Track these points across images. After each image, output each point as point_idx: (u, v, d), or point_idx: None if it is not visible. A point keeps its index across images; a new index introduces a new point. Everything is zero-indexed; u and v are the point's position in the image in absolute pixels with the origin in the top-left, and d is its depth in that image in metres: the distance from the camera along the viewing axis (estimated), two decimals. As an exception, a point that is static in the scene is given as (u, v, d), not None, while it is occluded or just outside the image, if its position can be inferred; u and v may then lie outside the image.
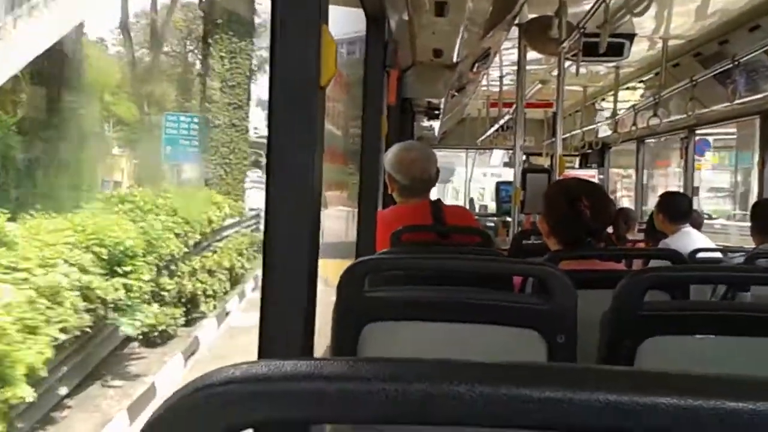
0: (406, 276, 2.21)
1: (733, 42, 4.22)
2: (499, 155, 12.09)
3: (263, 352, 1.34)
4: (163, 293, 10.89)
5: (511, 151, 7.67)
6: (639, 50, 5.00)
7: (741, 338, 1.56)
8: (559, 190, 2.56)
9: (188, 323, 11.56)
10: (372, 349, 1.71)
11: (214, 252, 13.56)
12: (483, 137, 9.35)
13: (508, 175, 8.52)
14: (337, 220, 6.11)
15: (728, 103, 4.39)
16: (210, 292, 12.38)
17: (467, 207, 10.19)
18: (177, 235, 11.74)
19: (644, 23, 4.31)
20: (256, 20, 19.69)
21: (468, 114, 9.67)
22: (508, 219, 6.55)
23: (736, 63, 4.05)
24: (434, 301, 1.73)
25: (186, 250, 12.03)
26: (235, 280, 13.97)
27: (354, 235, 3.13)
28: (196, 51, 22.61)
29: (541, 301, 1.65)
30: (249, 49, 19.12)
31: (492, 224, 8.73)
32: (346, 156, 7.94)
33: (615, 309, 1.57)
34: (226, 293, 13.26)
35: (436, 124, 8.04)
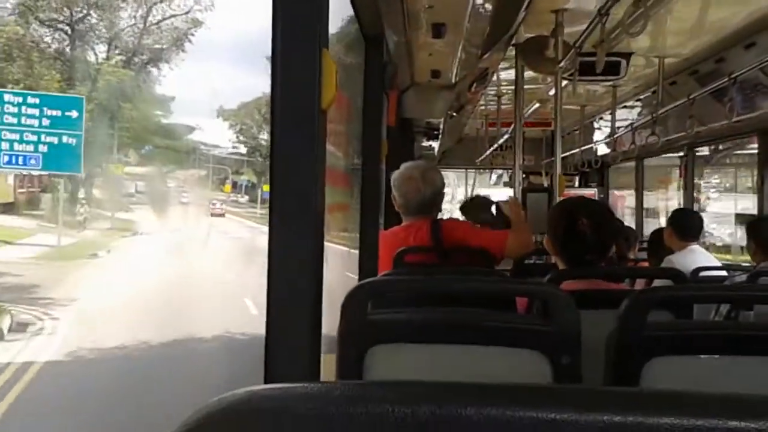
0: (410, 297, 2.21)
1: (729, 59, 4.24)
2: (495, 175, 12.13)
3: (269, 376, 1.34)
4: None
5: (509, 171, 7.68)
6: (636, 69, 5.02)
7: (745, 357, 1.56)
8: (560, 210, 2.58)
9: None
10: (377, 372, 1.71)
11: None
12: (482, 157, 9.37)
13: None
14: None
15: (726, 121, 4.40)
16: None
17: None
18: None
19: (640, 42, 4.34)
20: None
21: (467, 133, 9.69)
22: None
23: (733, 80, 4.07)
24: (438, 323, 1.72)
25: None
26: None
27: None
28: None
29: (545, 322, 1.64)
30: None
31: None
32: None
33: (619, 330, 1.56)
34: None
35: (435, 144, 8.06)
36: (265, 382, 1.31)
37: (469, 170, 12.22)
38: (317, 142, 1.38)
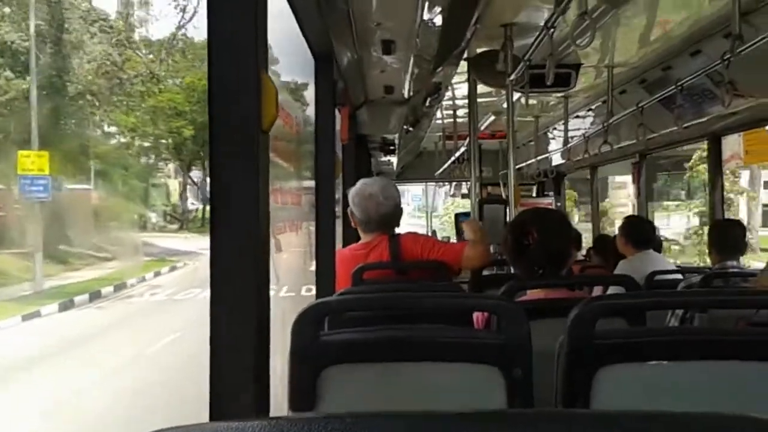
0: (368, 316, 2.19)
1: (677, 67, 4.32)
2: (450, 187, 12.25)
3: (214, 413, 1.31)
4: None
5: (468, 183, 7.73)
6: (586, 79, 5.10)
7: (695, 363, 1.57)
8: (512, 224, 2.63)
9: None
10: (331, 394, 1.69)
11: None
12: (441, 170, 9.42)
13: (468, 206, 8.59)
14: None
15: (676, 128, 4.49)
16: None
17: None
18: None
19: (589, 53, 4.41)
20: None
21: (425, 147, 9.75)
22: None
23: (680, 87, 4.15)
24: (391, 342, 1.71)
25: None
26: None
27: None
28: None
29: (495, 336, 1.64)
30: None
31: None
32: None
33: (568, 339, 1.57)
34: None
35: (393, 159, 8.09)
36: (210, 419, 1.29)
37: (428, 183, 12.29)
38: (260, 164, 1.36)
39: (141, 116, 29.46)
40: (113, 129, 29.88)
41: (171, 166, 34.05)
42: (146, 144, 31.24)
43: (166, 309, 16.01)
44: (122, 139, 30.12)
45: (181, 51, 30.10)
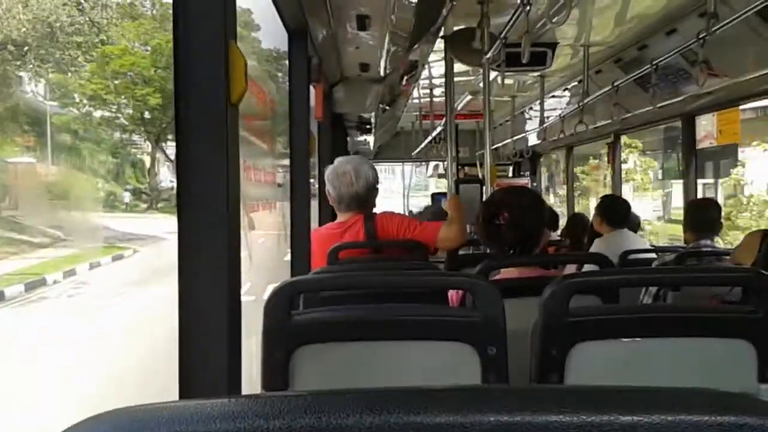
0: (344, 295, 2.17)
1: (652, 46, 4.33)
2: (430, 167, 12.24)
3: (183, 390, 1.28)
4: None
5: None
6: (562, 59, 5.09)
7: (666, 339, 1.58)
8: (485, 204, 2.62)
9: None
10: (303, 374, 1.67)
11: None
12: (418, 150, 9.40)
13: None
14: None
15: (650, 107, 4.50)
16: None
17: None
18: None
19: (565, 31, 4.39)
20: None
21: (402, 127, 9.71)
22: None
23: (655, 67, 4.15)
24: (363, 320, 1.69)
25: None
26: None
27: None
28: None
29: (469, 313, 1.63)
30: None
31: None
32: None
33: (542, 317, 1.56)
34: None
35: (370, 138, 8.05)
36: (180, 397, 1.26)
37: (405, 163, 12.27)
38: (229, 137, 1.33)
39: (91, 79, 25.88)
40: (58, 93, 25.94)
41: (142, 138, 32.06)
42: (100, 112, 27.62)
43: (76, 322, 11.68)
44: (73, 108, 26.37)
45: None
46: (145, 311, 11.30)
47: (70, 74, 26.32)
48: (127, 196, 29.32)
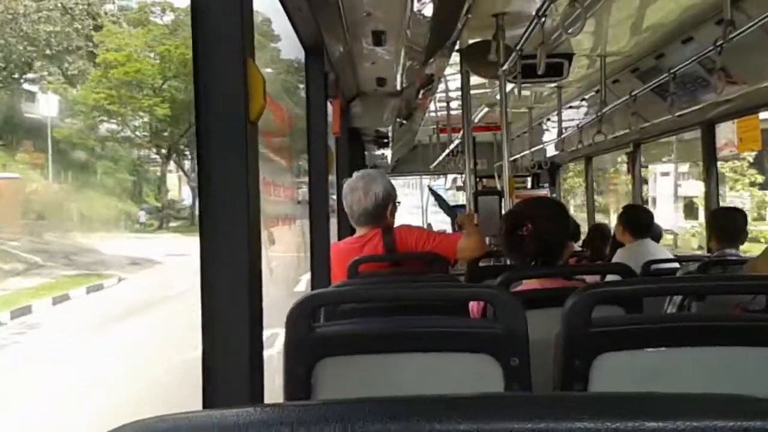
0: (364, 308, 2.18)
1: (669, 55, 4.31)
2: (448, 180, 12.23)
3: (207, 401, 1.29)
4: None
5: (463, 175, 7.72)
6: (579, 69, 5.08)
7: (691, 349, 1.56)
8: (507, 215, 2.62)
9: None
10: (326, 386, 1.67)
11: None
12: (435, 163, 9.41)
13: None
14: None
15: (669, 116, 4.48)
16: None
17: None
18: None
19: (582, 42, 4.39)
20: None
21: (420, 140, 9.73)
22: None
23: (673, 75, 4.14)
24: (385, 333, 1.70)
25: None
26: None
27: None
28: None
29: (491, 325, 1.63)
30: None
31: None
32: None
33: (564, 328, 1.56)
34: None
35: (388, 152, 8.07)
36: (204, 407, 1.27)
37: (423, 176, 12.28)
38: (249, 154, 1.34)
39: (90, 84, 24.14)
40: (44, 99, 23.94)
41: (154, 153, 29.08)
42: (96, 121, 25.82)
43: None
44: (68, 118, 24.57)
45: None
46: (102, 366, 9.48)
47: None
48: (126, 215, 27.42)
